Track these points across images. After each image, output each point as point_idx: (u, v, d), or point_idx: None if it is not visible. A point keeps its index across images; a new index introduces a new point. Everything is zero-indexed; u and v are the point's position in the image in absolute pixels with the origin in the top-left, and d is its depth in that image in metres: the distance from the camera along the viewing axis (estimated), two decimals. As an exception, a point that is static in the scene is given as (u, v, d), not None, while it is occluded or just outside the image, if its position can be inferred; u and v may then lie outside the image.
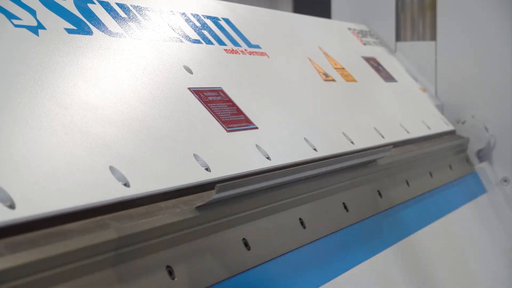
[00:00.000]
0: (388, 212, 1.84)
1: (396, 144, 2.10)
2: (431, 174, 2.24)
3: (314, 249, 1.44)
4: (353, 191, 1.71)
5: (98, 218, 1.00)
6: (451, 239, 2.15)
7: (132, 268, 1.00)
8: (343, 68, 2.24)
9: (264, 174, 1.26)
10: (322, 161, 1.50)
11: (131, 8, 1.49)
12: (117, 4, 1.46)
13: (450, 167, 2.45)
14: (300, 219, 1.44)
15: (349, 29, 2.66)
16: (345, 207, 1.64)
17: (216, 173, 1.27)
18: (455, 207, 2.30)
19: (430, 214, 2.08)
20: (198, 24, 1.68)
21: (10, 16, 1.16)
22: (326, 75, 2.08)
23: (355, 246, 1.61)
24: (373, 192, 1.81)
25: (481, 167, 2.71)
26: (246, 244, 1.24)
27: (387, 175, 1.90)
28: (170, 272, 1.06)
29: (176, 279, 1.06)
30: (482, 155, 2.78)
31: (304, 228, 1.44)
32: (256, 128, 1.51)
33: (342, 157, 1.60)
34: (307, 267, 1.40)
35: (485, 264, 2.33)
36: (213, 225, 1.17)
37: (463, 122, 2.78)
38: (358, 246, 1.62)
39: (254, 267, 1.24)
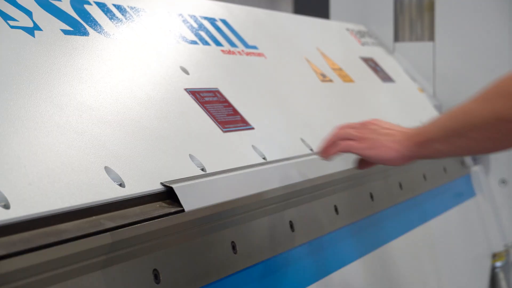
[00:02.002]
0: (377, 216, 1.85)
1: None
2: (424, 177, 2.24)
3: (304, 250, 1.45)
4: (345, 193, 1.70)
5: (93, 218, 1.00)
6: (429, 247, 2.16)
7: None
8: (340, 69, 2.24)
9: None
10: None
11: (127, 9, 1.50)
12: (114, 5, 1.46)
13: (445, 169, 2.45)
14: (290, 221, 1.44)
15: (347, 29, 2.67)
16: (336, 210, 1.64)
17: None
18: (441, 212, 2.31)
19: (415, 219, 2.08)
20: (195, 25, 1.69)
21: (6, 17, 1.16)
22: (323, 75, 2.09)
23: (344, 248, 1.61)
24: (365, 194, 1.82)
25: (475, 170, 2.72)
26: (234, 247, 1.25)
27: (381, 178, 1.91)
28: (156, 276, 1.06)
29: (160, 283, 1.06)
30: (477, 157, 2.78)
31: (293, 231, 1.44)
32: (253, 128, 1.51)
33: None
34: (293, 269, 1.41)
35: (459, 272, 2.36)
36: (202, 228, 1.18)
37: None
38: (346, 249, 1.62)
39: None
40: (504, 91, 1.08)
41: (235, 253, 1.25)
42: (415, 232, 2.05)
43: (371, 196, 1.82)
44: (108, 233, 0.99)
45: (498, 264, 2.71)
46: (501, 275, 2.69)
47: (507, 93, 1.07)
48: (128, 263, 1.02)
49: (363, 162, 1.38)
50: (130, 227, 1.03)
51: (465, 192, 2.60)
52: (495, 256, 2.72)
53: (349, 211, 1.69)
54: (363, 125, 1.35)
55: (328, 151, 1.37)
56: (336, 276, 1.54)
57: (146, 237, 1.05)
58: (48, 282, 0.90)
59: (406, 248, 1.96)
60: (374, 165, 1.36)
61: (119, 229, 1.01)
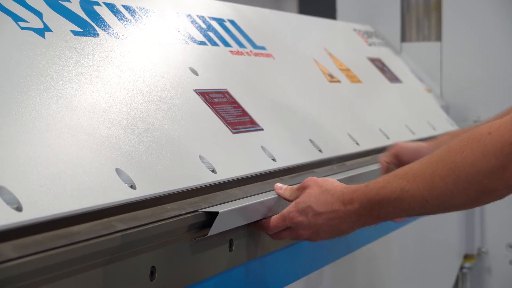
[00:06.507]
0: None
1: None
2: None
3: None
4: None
5: (105, 220, 1.00)
6: (409, 241, 2.17)
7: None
8: (348, 69, 2.24)
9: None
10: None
11: (136, 10, 1.49)
12: (123, 6, 1.46)
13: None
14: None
15: (354, 30, 2.66)
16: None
17: (222, 175, 1.28)
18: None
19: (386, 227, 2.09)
20: (203, 26, 1.69)
21: (16, 18, 1.16)
22: (331, 76, 2.08)
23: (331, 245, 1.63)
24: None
25: None
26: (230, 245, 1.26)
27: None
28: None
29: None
30: None
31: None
32: (262, 129, 1.51)
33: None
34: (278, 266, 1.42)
35: (430, 265, 2.38)
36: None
37: (476, 122, 2.78)
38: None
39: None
40: None
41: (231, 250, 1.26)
42: (405, 229, 2.06)
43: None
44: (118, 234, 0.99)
45: (467, 265, 2.75)
46: (467, 276, 2.75)
47: None
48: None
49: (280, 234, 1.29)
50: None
51: None
52: (466, 257, 2.76)
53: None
54: (302, 225, 1.24)
55: (279, 235, 1.29)
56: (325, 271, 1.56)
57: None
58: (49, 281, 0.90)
59: (394, 243, 1.98)
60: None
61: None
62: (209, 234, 1.16)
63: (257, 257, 1.33)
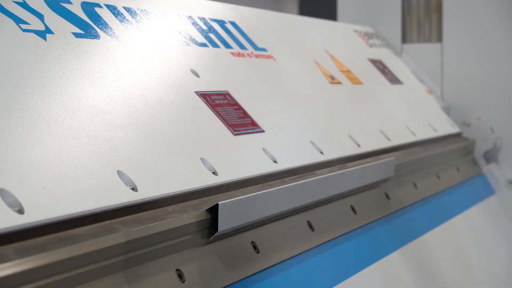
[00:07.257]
0: (396, 215, 1.85)
1: (402, 147, 2.10)
2: (438, 176, 2.24)
3: (323, 251, 1.45)
4: (361, 194, 1.71)
5: (106, 222, 1.00)
6: (458, 241, 2.15)
7: (142, 271, 1.01)
8: (349, 71, 2.24)
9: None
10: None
11: (137, 11, 1.49)
12: (124, 7, 1.46)
13: (458, 169, 2.45)
14: (308, 222, 1.44)
15: (355, 31, 2.66)
16: (353, 210, 1.64)
17: (223, 177, 1.28)
18: (464, 209, 2.30)
19: (438, 216, 2.09)
20: (204, 28, 1.68)
21: (18, 20, 1.16)
22: (332, 77, 2.08)
23: (364, 248, 1.61)
24: (380, 194, 1.81)
25: (489, 169, 2.71)
26: (255, 247, 1.25)
27: (395, 178, 1.90)
28: (180, 276, 1.06)
29: (186, 282, 1.06)
30: (489, 156, 2.77)
31: (313, 230, 1.44)
32: (263, 131, 1.51)
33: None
34: (315, 270, 1.40)
35: (490, 266, 2.34)
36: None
37: (469, 125, 2.77)
38: (367, 248, 1.62)
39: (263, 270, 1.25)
40: None
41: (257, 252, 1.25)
42: (440, 230, 2.05)
43: (387, 196, 1.83)
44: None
45: None
46: None
47: None
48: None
49: None
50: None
51: (483, 190, 2.60)
52: None
53: (366, 211, 1.70)
54: None
55: None
56: (356, 278, 1.54)
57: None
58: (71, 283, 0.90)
59: (432, 246, 1.97)
60: None
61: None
62: (219, 230, 1.15)
63: (283, 260, 1.32)
